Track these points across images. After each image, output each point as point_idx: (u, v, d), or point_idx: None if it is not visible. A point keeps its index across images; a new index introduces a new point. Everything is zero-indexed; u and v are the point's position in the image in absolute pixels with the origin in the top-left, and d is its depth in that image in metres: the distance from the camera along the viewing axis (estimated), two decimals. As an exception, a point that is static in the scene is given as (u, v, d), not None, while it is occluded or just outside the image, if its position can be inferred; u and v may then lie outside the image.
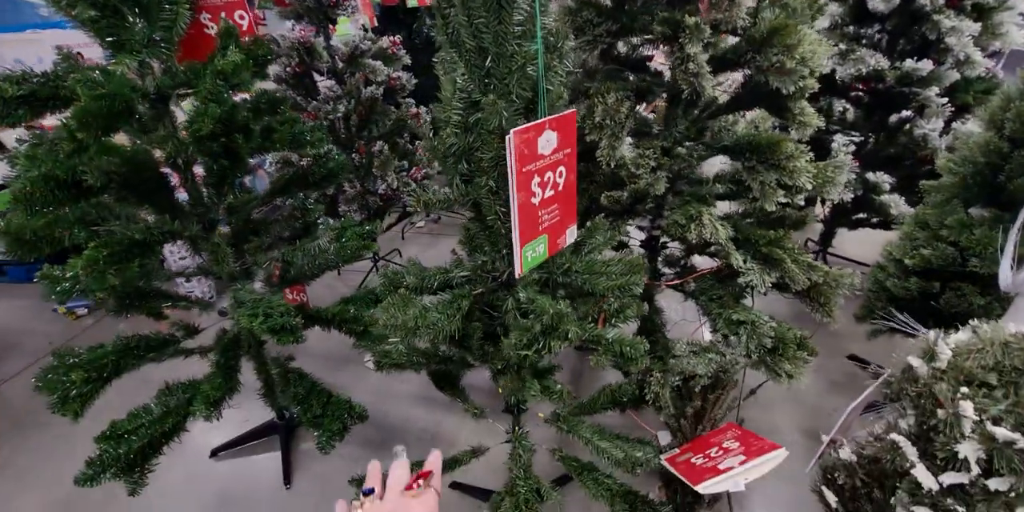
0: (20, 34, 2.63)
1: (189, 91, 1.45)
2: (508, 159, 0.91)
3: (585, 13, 1.44)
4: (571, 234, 1.14)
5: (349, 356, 2.52)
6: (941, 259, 1.77)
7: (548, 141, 0.97)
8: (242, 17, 1.58)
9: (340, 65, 2.55)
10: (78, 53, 2.82)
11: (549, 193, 1.04)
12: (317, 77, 2.59)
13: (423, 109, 2.86)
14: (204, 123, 1.25)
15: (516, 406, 1.52)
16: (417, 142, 2.89)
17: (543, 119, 0.93)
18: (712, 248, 1.84)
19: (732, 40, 1.46)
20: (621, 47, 1.67)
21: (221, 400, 1.48)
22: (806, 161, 1.36)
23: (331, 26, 2.55)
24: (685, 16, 1.19)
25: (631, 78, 1.53)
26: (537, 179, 1.00)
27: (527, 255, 1.08)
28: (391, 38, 2.63)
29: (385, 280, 1.28)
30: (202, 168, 1.52)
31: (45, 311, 2.80)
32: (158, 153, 1.49)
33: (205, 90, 1.29)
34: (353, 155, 2.62)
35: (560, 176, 1.03)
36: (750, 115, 1.88)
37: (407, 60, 2.72)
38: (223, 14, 1.56)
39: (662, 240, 2.00)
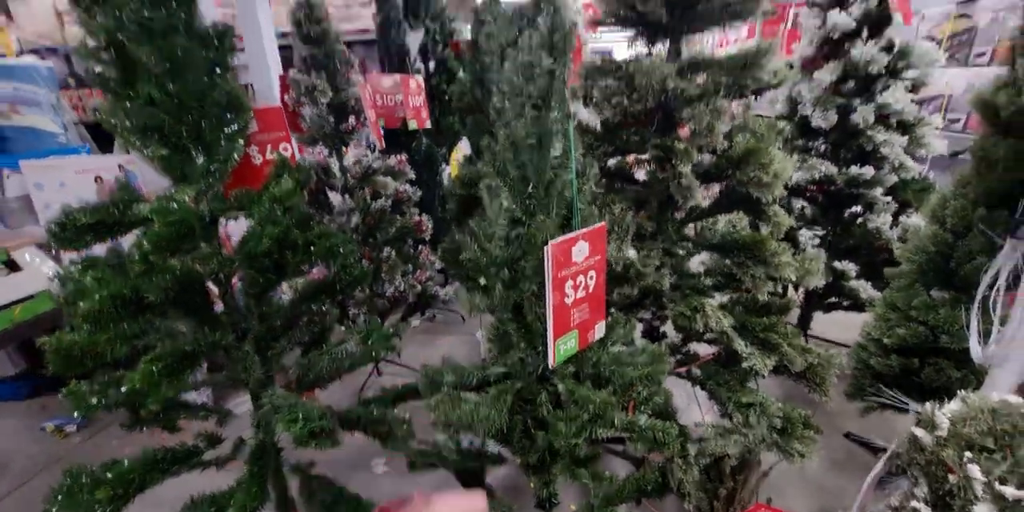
0: (42, 160, 2.82)
1: (238, 213, 1.62)
2: (546, 266, 1.08)
3: (586, 138, 1.71)
4: (600, 329, 1.28)
5: (356, 462, 2.46)
6: (915, 337, 1.95)
7: (581, 250, 1.14)
8: (286, 149, 1.81)
9: (351, 182, 2.81)
10: (97, 177, 3.00)
11: (581, 294, 1.19)
12: (329, 192, 2.82)
13: (425, 217, 3.10)
14: (262, 242, 1.40)
15: (548, 500, 1.53)
16: (420, 247, 3.09)
17: (577, 232, 1.12)
18: (710, 335, 1.99)
19: (708, 158, 1.75)
20: (611, 163, 1.96)
21: (256, 510, 1.45)
22: (788, 256, 1.58)
23: (344, 148, 2.84)
24: (675, 142, 1.45)
25: (628, 189, 1.78)
26: (571, 282, 1.16)
27: (560, 348, 1.20)
28: (398, 156, 2.93)
29: (426, 379, 1.37)
30: (243, 281, 1.64)
31: (31, 430, 2.68)
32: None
33: (262, 213, 1.46)
34: (362, 261, 2.78)
35: (591, 279, 1.20)
36: (726, 216, 2.15)
37: (411, 174, 3.01)
38: (269, 146, 1.79)
39: (662, 330, 2.15)
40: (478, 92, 2.46)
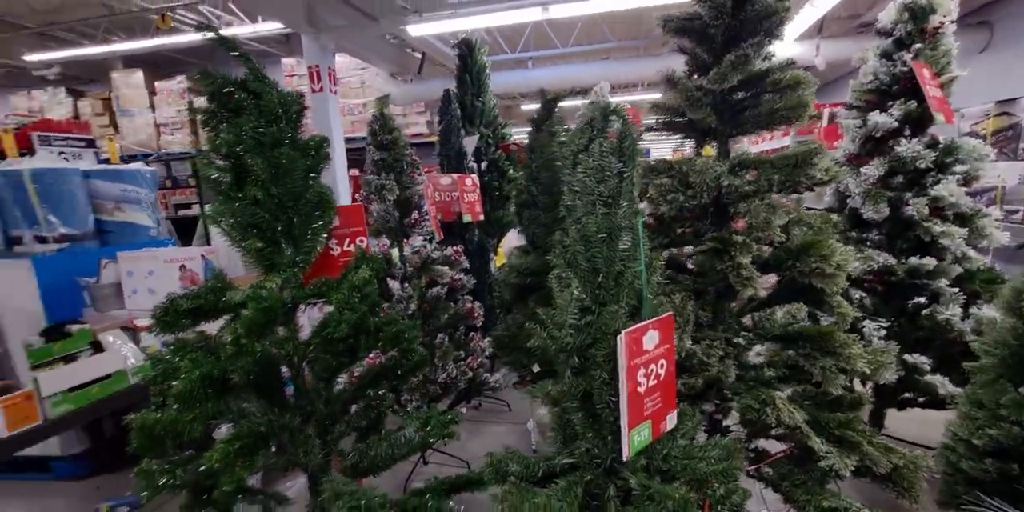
0: (137, 252, 3.11)
1: (316, 301, 1.74)
2: (619, 355, 1.10)
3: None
4: (671, 420, 1.26)
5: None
6: (1009, 439, 1.79)
7: (651, 339, 1.17)
8: (362, 241, 1.97)
9: (410, 271, 2.96)
10: (182, 265, 3.25)
11: (653, 382, 1.20)
12: (389, 280, 2.97)
13: (477, 304, 3.18)
14: (340, 327, 1.49)
15: None
16: (472, 334, 3.14)
17: (647, 321, 1.15)
18: (778, 431, 1.88)
19: (764, 249, 1.80)
20: (664, 254, 2.02)
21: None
22: (859, 348, 1.54)
23: (405, 240, 3.04)
24: (732, 234, 1.52)
25: (684, 280, 1.83)
26: (643, 370, 1.17)
27: (634, 439, 1.18)
28: (454, 247, 3.10)
29: (491, 469, 1.34)
30: (314, 366, 1.72)
31: (85, 511, 2.68)
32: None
33: (341, 300, 1.57)
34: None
35: (661, 367, 1.20)
36: (784, 307, 2.13)
37: (466, 264, 3.15)
38: (347, 240, 1.95)
39: (724, 424, 2.05)
40: (534, 189, 2.66)
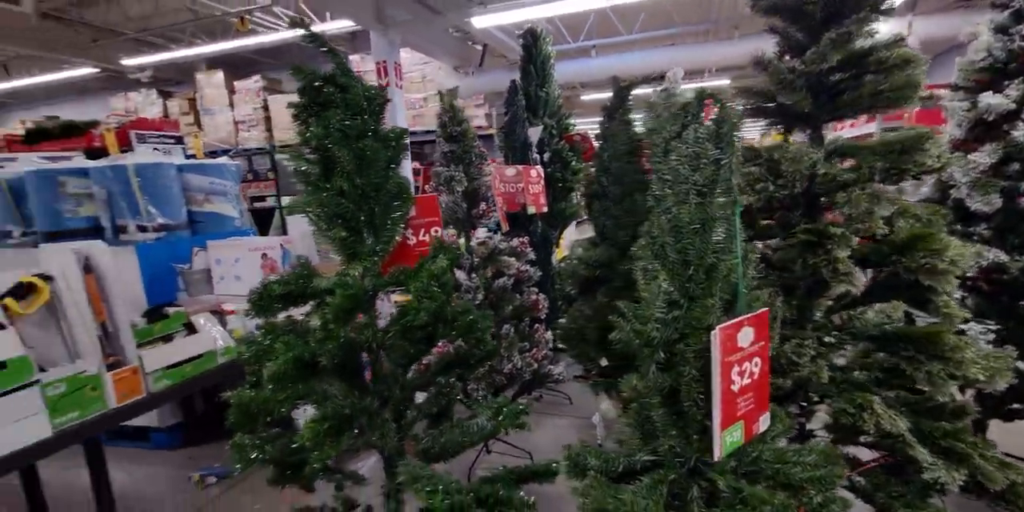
0: (224, 241, 3.30)
1: (394, 288, 1.78)
2: (713, 351, 1.06)
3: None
4: (764, 421, 1.20)
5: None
6: None
7: (746, 335, 1.11)
8: (437, 231, 2.00)
9: (476, 261, 2.99)
10: (263, 254, 3.39)
11: (746, 381, 1.14)
12: (457, 271, 3.01)
13: (542, 296, 3.17)
14: (419, 316, 1.52)
15: None
16: (536, 325, 3.14)
17: (742, 317, 1.10)
18: (871, 438, 1.76)
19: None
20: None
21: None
22: (973, 352, 1.41)
23: (472, 231, 3.06)
24: (829, 227, 1.42)
25: (770, 274, 1.73)
26: (736, 368, 1.12)
27: (726, 440, 1.14)
28: (520, 238, 3.10)
29: (569, 462, 1.33)
30: (390, 352, 1.76)
31: (179, 478, 2.92)
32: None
33: (419, 288, 1.59)
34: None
35: (755, 366, 1.15)
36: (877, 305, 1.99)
37: (531, 255, 3.14)
38: (423, 229, 1.99)
39: (808, 427, 1.94)
40: (604, 180, 2.60)
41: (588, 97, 12.29)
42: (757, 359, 1.14)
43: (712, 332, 1.05)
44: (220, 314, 2.86)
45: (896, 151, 1.42)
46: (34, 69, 9.75)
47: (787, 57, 1.66)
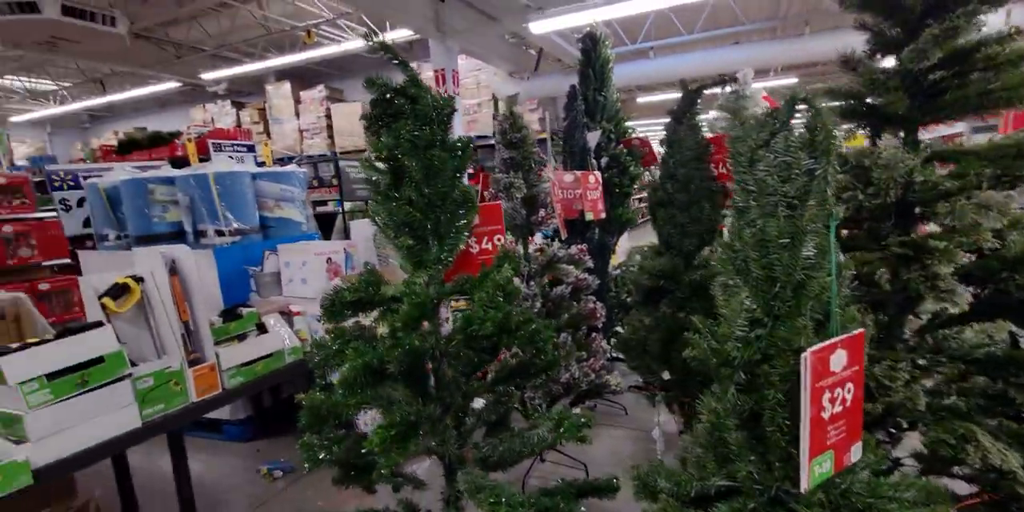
0: (293, 245, 3.43)
1: (459, 297, 1.79)
2: (803, 375, 0.98)
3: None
4: (856, 451, 1.11)
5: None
6: None
7: (839, 359, 1.03)
8: (500, 239, 2.00)
9: (534, 269, 2.97)
10: (328, 258, 3.49)
11: (838, 409, 1.06)
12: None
13: (599, 305, 3.11)
14: (485, 325, 1.51)
15: None
16: (593, 334, 3.08)
17: (835, 339, 1.02)
18: (969, 471, 1.60)
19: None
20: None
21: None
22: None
23: (530, 238, 3.04)
24: (929, 239, 1.30)
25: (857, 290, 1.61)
26: (827, 394, 1.04)
27: (815, 470, 1.06)
28: (579, 246, 3.06)
29: (639, 482, 1.28)
30: (453, 360, 1.77)
31: (248, 470, 3.06)
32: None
33: (484, 299, 1.59)
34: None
35: (848, 392, 1.06)
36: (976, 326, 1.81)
37: (590, 263, 3.09)
38: (486, 238, 1.99)
39: (894, 455, 1.80)
40: (670, 187, 2.52)
41: (644, 99, 12.04)
42: (850, 384, 1.06)
43: (803, 355, 0.98)
44: (288, 315, 2.97)
45: (1010, 156, 1.29)
46: (126, 84, 10.61)
47: (878, 55, 1.55)
